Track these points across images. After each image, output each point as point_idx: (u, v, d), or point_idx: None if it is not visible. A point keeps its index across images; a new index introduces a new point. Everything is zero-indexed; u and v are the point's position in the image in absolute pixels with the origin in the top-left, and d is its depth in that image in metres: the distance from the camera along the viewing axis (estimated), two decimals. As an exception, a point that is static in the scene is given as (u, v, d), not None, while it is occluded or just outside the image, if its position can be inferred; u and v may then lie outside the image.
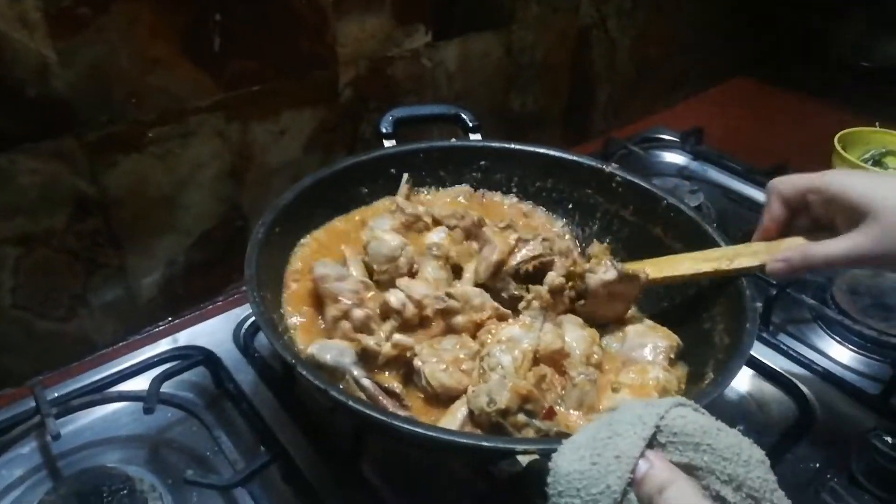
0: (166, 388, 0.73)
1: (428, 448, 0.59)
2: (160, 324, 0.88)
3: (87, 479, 0.65)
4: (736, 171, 1.16)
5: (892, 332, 0.82)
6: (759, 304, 0.67)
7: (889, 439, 0.67)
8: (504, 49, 1.09)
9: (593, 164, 0.86)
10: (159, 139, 0.78)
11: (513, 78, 1.13)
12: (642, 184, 0.83)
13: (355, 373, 0.63)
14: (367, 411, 0.54)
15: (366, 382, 0.62)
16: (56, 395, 0.73)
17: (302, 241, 0.78)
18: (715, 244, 0.73)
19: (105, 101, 0.73)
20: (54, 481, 0.67)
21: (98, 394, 0.73)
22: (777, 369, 0.79)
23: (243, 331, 0.83)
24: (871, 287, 0.89)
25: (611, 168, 0.85)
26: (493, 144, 0.90)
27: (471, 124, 0.90)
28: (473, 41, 1.04)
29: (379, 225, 0.79)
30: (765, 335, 0.83)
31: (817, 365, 0.81)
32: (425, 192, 0.89)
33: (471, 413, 0.59)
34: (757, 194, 1.12)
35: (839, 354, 0.84)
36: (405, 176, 0.86)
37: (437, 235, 0.78)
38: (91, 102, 0.72)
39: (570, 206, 0.88)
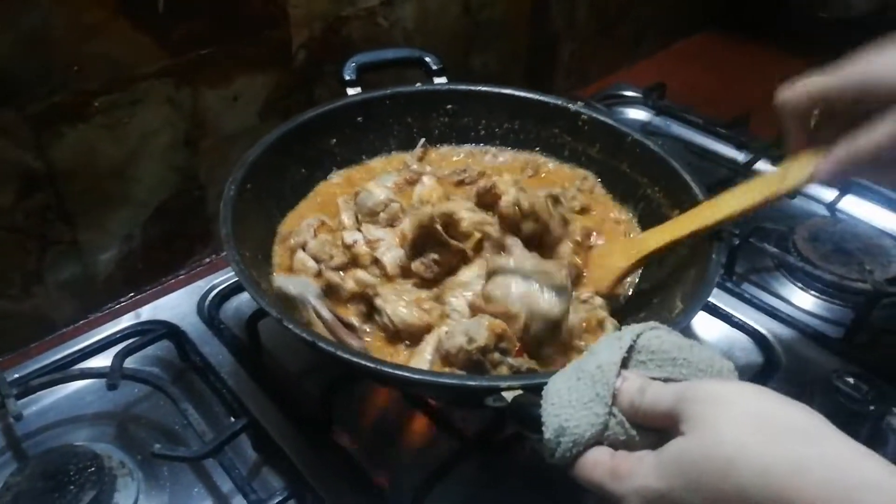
0: (130, 363, 0.72)
1: (415, 389, 0.63)
2: (121, 300, 0.86)
3: (54, 459, 0.64)
4: (697, 124, 1.16)
5: (853, 276, 0.83)
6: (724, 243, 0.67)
7: (851, 380, 0.69)
8: (462, 6, 1.06)
9: (559, 102, 0.87)
10: (106, 108, 0.75)
11: (472, 37, 1.11)
12: (607, 121, 0.85)
13: (316, 304, 0.64)
14: (358, 360, 0.54)
15: (325, 313, 0.64)
16: (16, 376, 0.72)
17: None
18: (678, 176, 0.75)
19: (45, 71, 0.70)
20: (19, 462, 0.66)
21: (59, 373, 0.71)
22: (741, 318, 0.80)
23: (207, 302, 0.82)
24: (831, 233, 0.91)
25: (576, 107, 0.86)
26: (459, 87, 0.90)
27: (434, 67, 0.90)
28: (430, -2, 1.02)
29: (382, 181, 0.81)
30: (728, 285, 0.84)
31: (781, 312, 0.82)
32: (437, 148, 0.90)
33: (442, 353, 0.60)
34: (719, 147, 1.12)
35: (802, 301, 0.86)
36: (422, 140, 0.88)
37: (420, 187, 0.80)
38: (30, 73, 0.69)
39: (538, 147, 0.89)
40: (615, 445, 0.45)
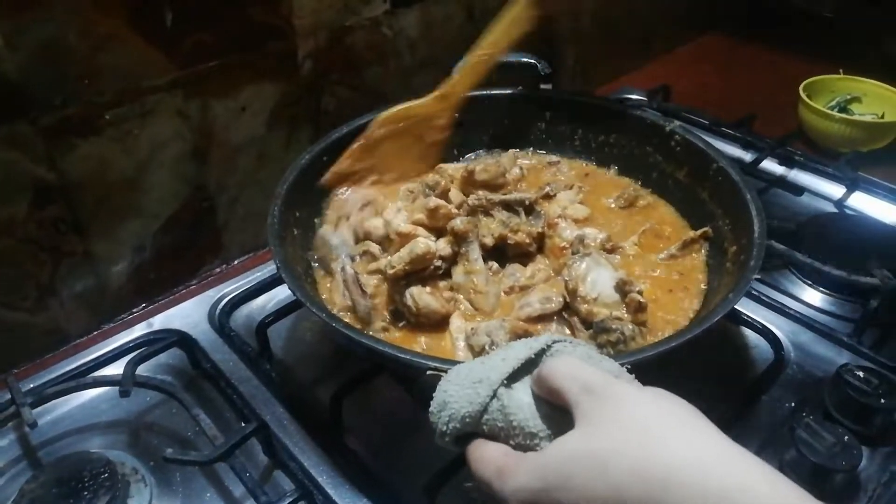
0: (143, 371, 0.73)
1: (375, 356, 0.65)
2: (133, 310, 0.87)
3: (68, 466, 0.64)
4: (703, 125, 1.16)
5: (861, 272, 0.83)
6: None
7: (861, 374, 0.68)
8: (465, 14, 1.07)
9: (655, 119, 0.86)
10: (117, 120, 0.76)
11: (476, 44, 1.12)
12: (699, 144, 0.82)
13: (345, 259, 0.73)
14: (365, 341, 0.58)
15: (349, 269, 0.70)
16: (31, 385, 0.73)
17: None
18: (747, 211, 0.72)
19: (58, 84, 0.71)
20: (34, 469, 0.66)
21: (73, 381, 0.72)
22: (751, 315, 0.79)
23: (218, 311, 0.83)
24: (839, 230, 0.91)
25: (671, 126, 0.85)
26: (561, 95, 0.90)
27: (543, 73, 0.90)
28: (433, 7, 1.03)
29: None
30: (737, 283, 0.84)
31: (790, 309, 0.82)
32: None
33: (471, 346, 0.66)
34: (725, 147, 1.12)
35: (811, 297, 0.85)
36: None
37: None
38: (43, 85, 0.70)
39: (629, 163, 0.89)
40: (498, 435, 0.46)
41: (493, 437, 0.46)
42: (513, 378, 0.47)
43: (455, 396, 0.47)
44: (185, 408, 0.69)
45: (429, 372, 0.51)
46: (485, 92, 0.88)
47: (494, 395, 0.46)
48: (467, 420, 0.46)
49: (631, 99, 1.25)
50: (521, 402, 0.46)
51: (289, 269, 0.66)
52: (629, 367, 0.48)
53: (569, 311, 0.69)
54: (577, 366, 0.44)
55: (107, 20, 0.73)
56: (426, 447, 0.67)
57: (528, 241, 0.73)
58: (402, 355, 0.57)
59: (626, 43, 1.42)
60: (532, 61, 0.90)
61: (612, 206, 0.86)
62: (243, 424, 0.68)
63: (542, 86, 0.90)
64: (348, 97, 0.98)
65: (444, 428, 0.47)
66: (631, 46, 1.44)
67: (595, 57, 1.36)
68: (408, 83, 1.04)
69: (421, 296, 0.68)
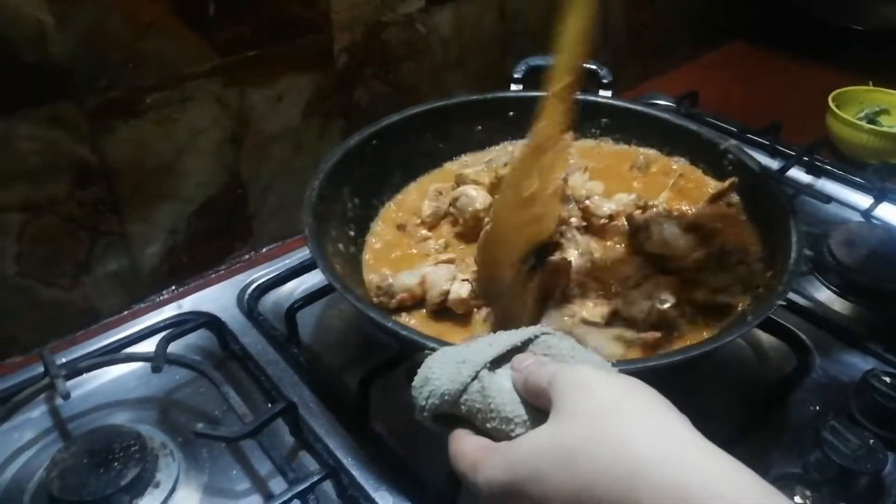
0: (173, 349, 0.74)
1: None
2: (164, 292, 0.88)
3: (99, 438, 0.66)
4: (731, 132, 1.16)
5: (887, 280, 0.83)
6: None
7: (887, 378, 0.68)
8: (498, 14, 1.09)
9: (710, 137, 0.86)
10: (157, 105, 0.78)
11: (507, 44, 1.13)
12: (750, 165, 0.81)
13: None
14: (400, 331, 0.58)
15: None
16: (64, 360, 0.74)
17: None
18: (788, 236, 0.70)
19: (102, 66, 0.73)
20: (65, 441, 0.68)
21: (106, 356, 0.74)
22: (776, 319, 0.79)
23: (247, 296, 0.84)
24: (867, 238, 0.90)
25: (726, 144, 0.84)
26: (616, 103, 0.91)
27: (605, 81, 0.91)
28: (467, 6, 1.04)
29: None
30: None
31: (816, 314, 0.82)
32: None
33: None
34: (752, 154, 1.12)
35: (836, 304, 0.85)
36: None
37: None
38: (88, 67, 0.72)
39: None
40: (475, 417, 0.46)
41: (470, 418, 0.47)
42: (496, 363, 0.48)
43: (437, 374, 0.47)
44: (214, 385, 0.70)
45: (426, 352, 0.51)
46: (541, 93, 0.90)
47: (476, 377, 0.46)
48: (446, 398, 0.47)
49: (658, 105, 1.26)
50: (501, 386, 0.46)
51: (319, 245, 0.67)
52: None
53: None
54: (546, 373, 0.44)
55: (151, 7, 0.75)
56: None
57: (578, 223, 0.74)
58: (423, 340, 0.57)
59: (652, 49, 1.43)
60: (594, 68, 0.91)
61: (628, 173, 0.87)
62: (270, 405, 0.69)
63: (602, 93, 0.91)
64: (381, 92, 1.00)
65: (424, 403, 0.48)
66: (656, 52, 1.44)
67: (622, 62, 1.37)
68: (440, 81, 1.06)
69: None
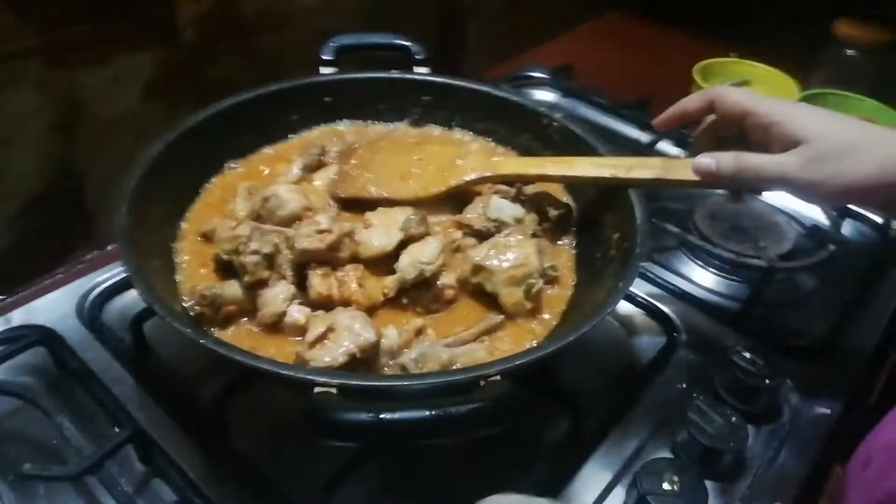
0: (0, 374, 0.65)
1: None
2: (-10, 303, 0.78)
3: None
4: (603, 105, 1.17)
5: (749, 252, 0.86)
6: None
7: (747, 355, 0.70)
8: (364, -17, 1.02)
9: (533, 107, 0.84)
10: (-39, 92, 0.67)
11: (378, 15, 1.07)
12: (577, 131, 0.79)
13: None
14: (240, 358, 0.51)
15: None
16: None
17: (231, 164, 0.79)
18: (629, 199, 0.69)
19: None
20: None
21: (-87, 388, 0.64)
22: (645, 297, 0.80)
23: (88, 303, 0.75)
24: (729, 212, 0.93)
25: (548, 113, 0.82)
26: (439, 79, 0.87)
27: (418, 57, 0.86)
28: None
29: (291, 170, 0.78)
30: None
31: (682, 290, 0.84)
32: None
33: None
34: (622, 128, 1.14)
35: (702, 278, 0.88)
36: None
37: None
38: None
39: (513, 149, 0.86)
40: None
41: None
42: None
43: None
44: (47, 415, 0.62)
45: (317, 390, 0.47)
46: (361, 75, 0.85)
47: None
48: None
49: (534, 77, 1.25)
50: None
51: (141, 277, 0.57)
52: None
53: None
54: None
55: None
56: (323, 446, 0.64)
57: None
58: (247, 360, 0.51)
59: (529, 20, 1.41)
60: (407, 44, 0.87)
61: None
62: (117, 430, 0.62)
63: (417, 69, 0.87)
64: (238, 68, 0.92)
65: None
66: (533, 24, 1.42)
67: (498, 33, 1.34)
68: (306, 55, 0.98)
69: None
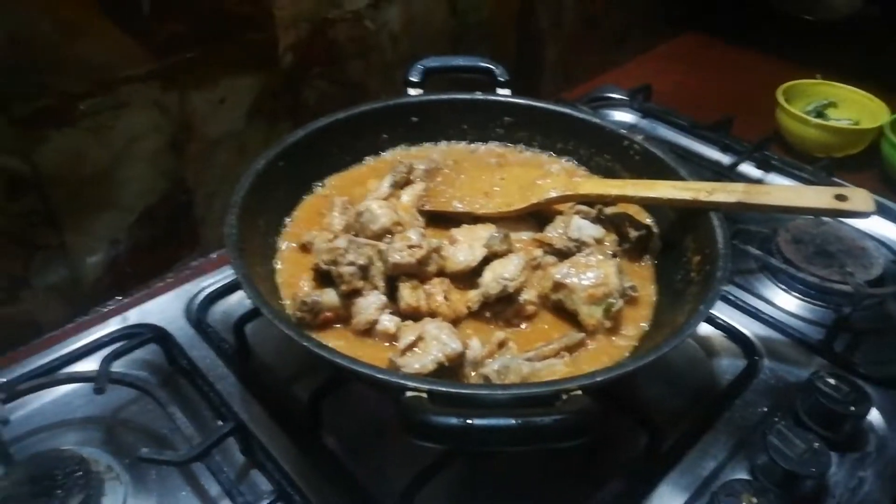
0: (118, 367, 0.72)
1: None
2: (109, 303, 0.86)
3: (40, 463, 0.64)
4: (682, 126, 1.17)
5: (834, 278, 0.85)
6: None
7: (832, 381, 0.69)
8: (449, 9, 1.07)
9: (614, 129, 0.86)
10: (91, 112, 0.75)
11: (459, 39, 1.11)
12: (658, 153, 0.80)
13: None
14: (339, 360, 0.55)
15: None
16: (3, 380, 0.71)
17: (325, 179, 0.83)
18: (714, 238, 0.69)
19: (29, 74, 0.69)
20: (6, 466, 0.65)
21: (46, 377, 0.71)
22: (725, 319, 0.80)
23: (195, 306, 0.82)
24: (814, 236, 0.92)
25: (628, 135, 0.84)
26: (520, 101, 0.90)
27: (501, 79, 0.90)
28: (417, 1, 1.02)
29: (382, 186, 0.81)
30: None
31: (764, 313, 0.83)
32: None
33: None
34: (702, 149, 1.13)
35: (784, 302, 0.87)
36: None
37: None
38: (15, 75, 0.69)
39: (593, 170, 0.88)
40: None
41: None
42: None
43: None
44: (160, 405, 0.68)
45: (408, 394, 0.50)
46: (446, 96, 0.89)
47: None
48: None
49: (612, 98, 1.26)
50: None
51: (251, 283, 0.62)
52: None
53: None
54: None
55: (79, 8, 0.71)
56: (406, 448, 0.68)
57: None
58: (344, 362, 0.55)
59: (604, 42, 1.42)
60: (490, 66, 0.90)
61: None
62: (220, 423, 0.68)
63: (500, 90, 0.90)
64: (329, 91, 0.97)
65: None
66: (609, 46, 1.44)
67: (576, 55, 1.36)
68: (390, 78, 1.03)
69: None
